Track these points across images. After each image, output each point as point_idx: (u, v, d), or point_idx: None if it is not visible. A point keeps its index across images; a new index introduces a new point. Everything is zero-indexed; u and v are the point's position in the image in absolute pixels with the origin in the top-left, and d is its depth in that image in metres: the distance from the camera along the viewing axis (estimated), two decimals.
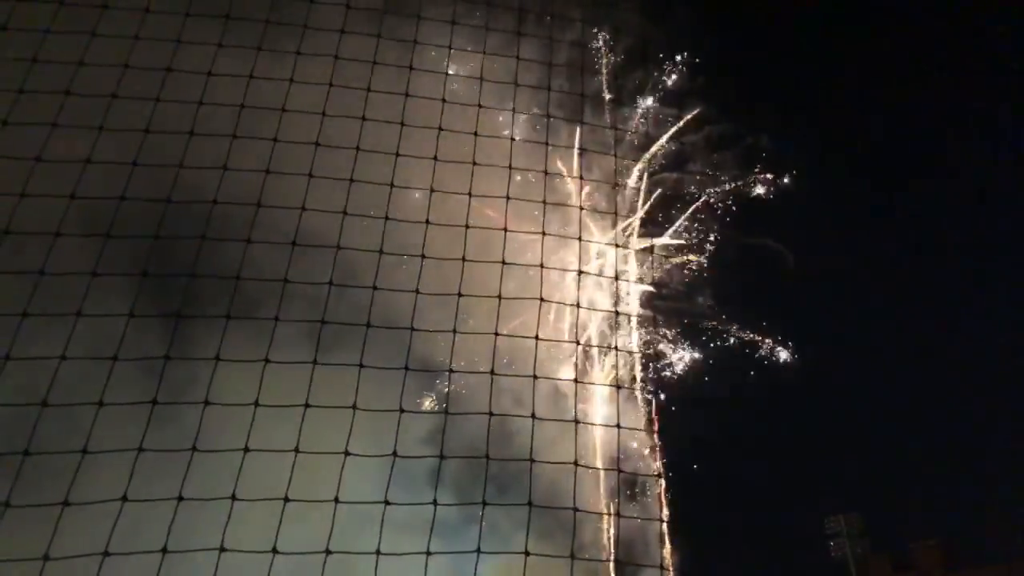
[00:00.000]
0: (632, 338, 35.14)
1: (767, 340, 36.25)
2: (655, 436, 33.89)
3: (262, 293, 9.90)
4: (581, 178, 26.52)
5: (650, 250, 36.44)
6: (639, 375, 34.94)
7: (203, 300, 11.27)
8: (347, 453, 8.26)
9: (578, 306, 11.80)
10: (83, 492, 7.57)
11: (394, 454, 8.45)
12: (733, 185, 36.93)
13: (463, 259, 9.43)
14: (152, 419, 8.04)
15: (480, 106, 10.41)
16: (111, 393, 7.96)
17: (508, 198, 10.12)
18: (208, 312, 10.40)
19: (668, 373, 35.60)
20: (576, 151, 28.72)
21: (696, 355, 35.90)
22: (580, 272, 10.90)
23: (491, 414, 8.97)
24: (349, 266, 9.98)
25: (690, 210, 36.67)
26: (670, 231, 36.56)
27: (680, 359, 35.74)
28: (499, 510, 10.05)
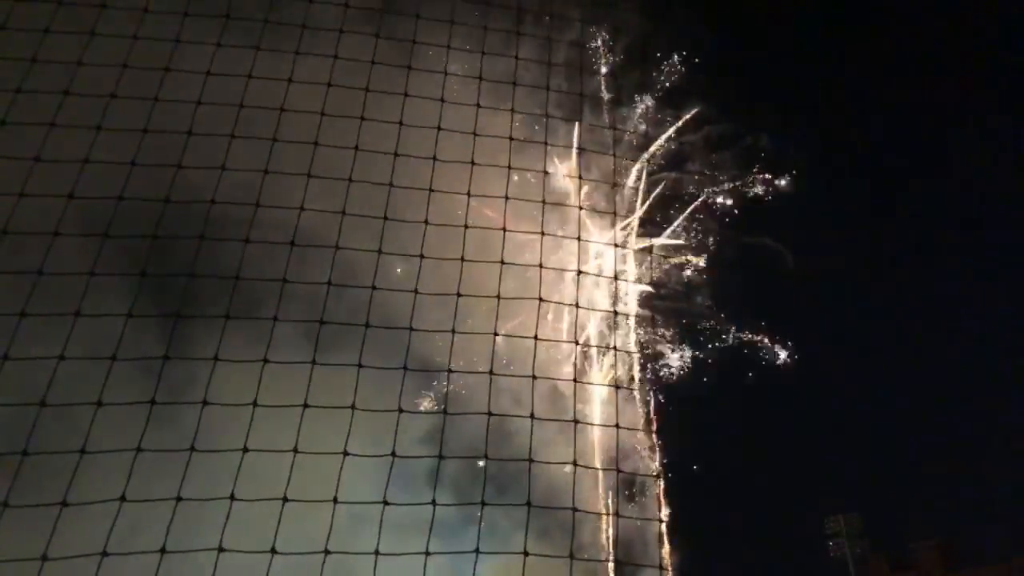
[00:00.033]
0: (631, 338, 35.14)
1: (767, 340, 36.26)
2: (654, 436, 33.90)
3: (261, 293, 9.89)
4: (580, 178, 26.51)
5: (649, 250, 36.45)
6: (638, 375, 34.94)
7: (202, 300, 11.26)
8: (346, 453, 8.26)
9: (577, 306, 11.80)
10: (82, 492, 7.56)
11: (393, 454, 8.45)
12: (732, 185, 36.94)
13: (462, 259, 9.43)
14: (151, 419, 8.04)
15: (479, 106, 10.40)
16: (110, 393, 7.95)
17: (507, 198, 10.11)
18: (207, 312, 10.38)
19: (667, 373, 35.61)
20: (575, 151, 28.73)
21: (695, 355, 35.90)
22: (580, 272, 10.89)
23: (491, 414, 8.97)
24: (348, 266, 9.98)
25: (689, 210, 36.68)
26: (669, 231, 36.58)
27: (679, 359, 35.75)
28: (498, 510, 10.05)
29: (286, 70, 10.19)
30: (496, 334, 9.67)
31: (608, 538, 30.79)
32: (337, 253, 9.52)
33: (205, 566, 7.33)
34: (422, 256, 9.43)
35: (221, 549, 7.38)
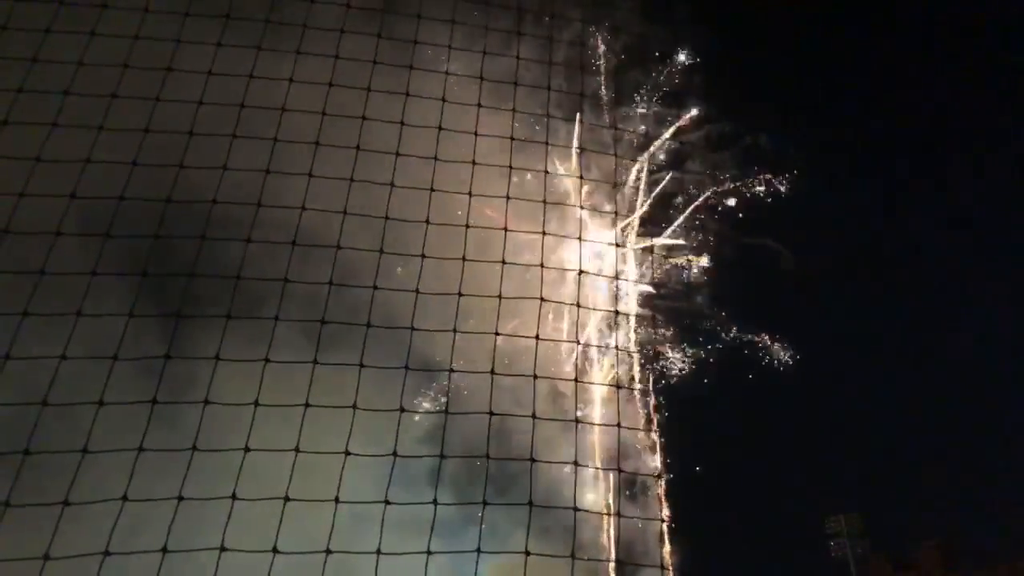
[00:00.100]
0: (631, 338, 35.14)
1: (767, 339, 36.27)
2: (654, 436, 33.89)
3: (262, 293, 9.89)
4: (581, 178, 26.50)
5: (649, 250, 36.45)
6: (638, 375, 34.95)
7: (203, 300, 11.26)
8: (347, 453, 8.26)
9: (578, 306, 11.77)
10: (84, 492, 7.57)
11: (394, 454, 8.45)
12: (733, 185, 36.94)
13: (463, 259, 9.43)
14: (152, 419, 8.04)
15: (480, 105, 10.40)
16: (111, 393, 7.95)
17: (508, 198, 10.11)
18: (208, 312, 10.39)
19: (667, 373, 35.61)
20: (575, 151, 28.72)
21: (695, 354, 35.90)
22: (580, 272, 10.88)
23: (491, 414, 8.97)
24: (349, 266, 9.98)
25: (689, 209, 36.68)
26: (669, 231, 36.58)
27: (679, 359, 35.75)
28: (498, 510, 10.05)
29: (287, 70, 10.19)
30: (497, 334, 9.66)
31: (609, 537, 30.79)
32: (338, 253, 9.52)
33: (207, 566, 7.33)
34: (423, 256, 9.44)
35: (223, 548, 7.39)
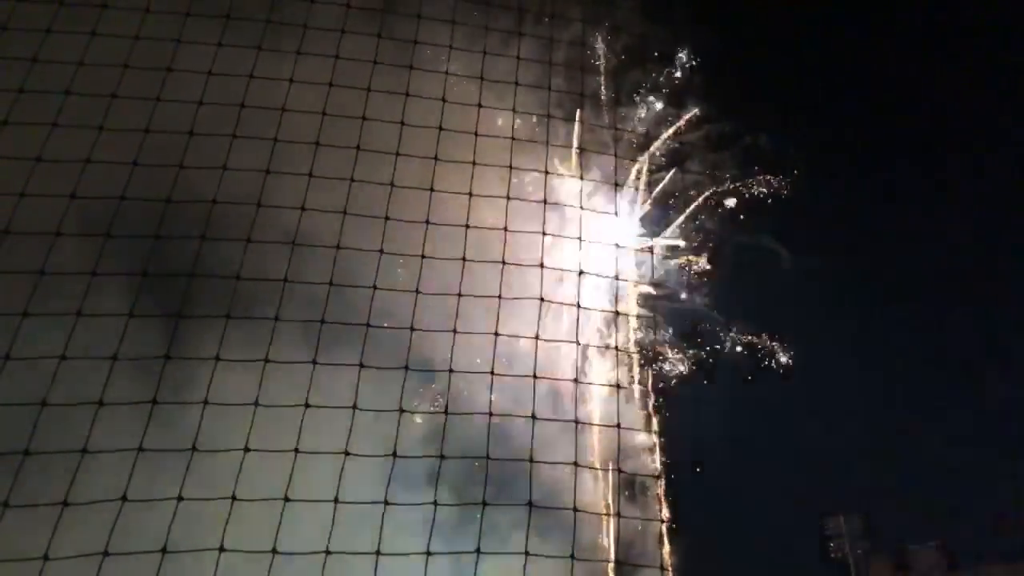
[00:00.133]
0: (631, 338, 35.15)
1: (767, 339, 36.27)
2: (654, 436, 33.90)
3: (262, 293, 9.90)
4: (581, 178, 26.50)
5: (650, 250, 36.46)
6: (638, 375, 34.95)
7: (203, 300, 11.27)
8: (347, 453, 8.26)
9: (578, 306, 11.77)
10: (83, 492, 7.57)
11: (394, 454, 8.45)
12: (733, 185, 36.94)
13: (463, 259, 9.43)
14: (152, 419, 8.05)
15: (480, 106, 10.41)
16: (111, 393, 7.96)
17: (508, 198, 10.12)
18: (208, 312, 10.39)
19: (667, 373, 35.61)
20: (575, 151, 28.73)
21: (695, 354, 35.90)
22: (580, 272, 10.89)
23: (491, 414, 8.98)
24: (350, 266, 9.98)
25: (689, 209, 36.68)
26: (669, 231, 36.59)
27: (680, 359, 35.75)
28: (496, 510, 10.05)
29: (287, 70, 10.20)
30: (497, 334, 9.67)
31: (608, 538, 30.80)
32: (338, 253, 9.52)
33: (208, 566, 7.33)
34: (423, 256, 9.44)
35: (222, 549, 7.39)
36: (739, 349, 36.05)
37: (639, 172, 36.31)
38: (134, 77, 9.68)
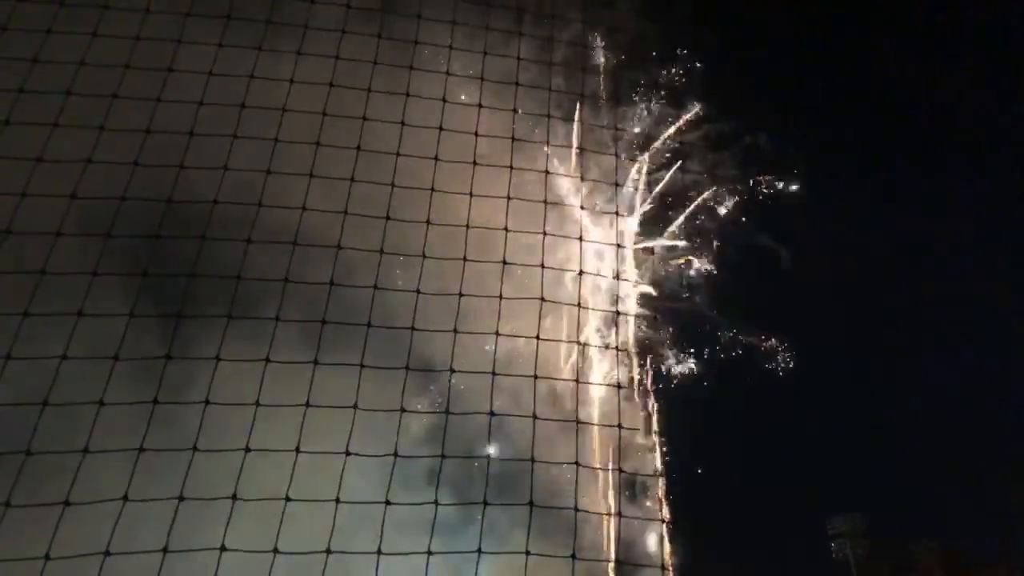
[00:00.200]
0: (631, 338, 35.16)
1: (768, 339, 36.27)
2: (655, 436, 33.91)
3: (263, 293, 9.91)
4: (581, 178, 26.52)
5: (650, 250, 36.46)
6: (637, 375, 34.96)
7: (204, 300, 11.28)
8: (347, 453, 8.27)
9: (579, 306, 11.77)
10: (83, 492, 7.57)
11: (395, 454, 8.46)
12: (733, 185, 36.94)
13: (464, 259, 9.44)
14: (152, 419, 8.05)
15: (480, 106, 10.42)
16: (112, 393, 7.96)
17: (509, 198, 10.12)
18: (209, 312, 10.40)
19: (667, 373, 35.62)
20: (575, 151, 28.76)
21: (696, 354, 35.91)
22: (581, 272, 10.89)
23: (491, 414, 8.98)
24: (350, 266, 9.99)
25: (689, 209, 36.68)
26: (669, 231, 36.59)
27: (680, 359, 35.77)
28: (495, 510, 10.05)
29: (288, 70, 10.21)
30: (497, 334, 9.68)
31: (608, 537, 30.81)
32: (339, 253, 9.53)
33: (208, 566, 7.34)
34: (424, 256, 9.45)
35: (223, 548, 7.40)
36: (739, 349, 36.09)
37: (639, 172, 36.31)
38: (135, 77, 9.69)
